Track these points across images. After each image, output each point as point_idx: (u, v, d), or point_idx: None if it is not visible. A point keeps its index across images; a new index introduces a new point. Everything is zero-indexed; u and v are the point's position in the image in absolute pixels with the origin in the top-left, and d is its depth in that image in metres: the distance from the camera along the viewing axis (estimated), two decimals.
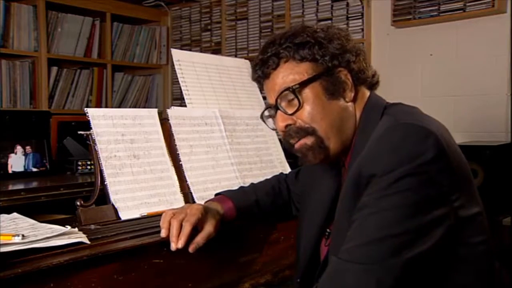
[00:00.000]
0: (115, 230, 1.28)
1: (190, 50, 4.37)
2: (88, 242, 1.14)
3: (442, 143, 1.00)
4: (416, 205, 0.97)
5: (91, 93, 4.26)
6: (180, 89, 1.81)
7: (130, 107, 4.57)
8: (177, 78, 1.82)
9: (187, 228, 1.19)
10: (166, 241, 1.19)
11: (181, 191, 1.53)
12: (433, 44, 3.27)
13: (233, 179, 1.67)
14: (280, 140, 1.81)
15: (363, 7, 3.51)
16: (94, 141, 1.42)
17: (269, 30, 3.99)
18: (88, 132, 1.44)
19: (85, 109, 1.44)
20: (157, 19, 4.68)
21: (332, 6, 3.64)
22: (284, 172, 1.62)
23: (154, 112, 1.59)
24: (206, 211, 1.27)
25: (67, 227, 1.15)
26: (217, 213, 1.32)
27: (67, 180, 2.11)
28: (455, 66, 3.19)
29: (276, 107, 1.18)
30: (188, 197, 1.54)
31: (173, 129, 1.60)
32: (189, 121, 1.66)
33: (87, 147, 1.48)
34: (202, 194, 1.55)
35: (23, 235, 1.06)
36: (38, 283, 0.99)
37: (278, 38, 1.18)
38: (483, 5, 3.01)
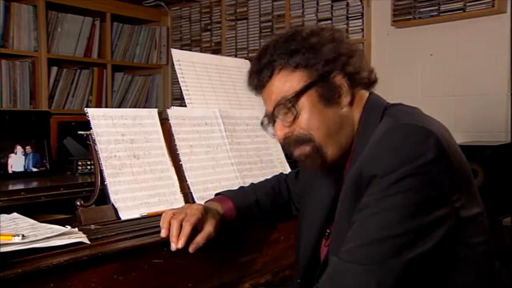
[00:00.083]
0: (115, 230, 1.28)
1: (190, 50, 4.37)
2: (88, 242, 1.14)
3: (443, 144, 1.00)
4: (417, 206, 0.97)
5: (91, 93, 4.26)
6: (180, 89, 1.81)
7: (130, 107, 4.57)
8: (177, 78, 1.82)
9: (187, 228, 1.19)
10: (166, 241, 1.19)
11: (181, 191, 1.53)
12: (433, 44, 3.27)
13: (233, 179, 1.67)
14: None
15: (363, 7, 3.51)
16: (94, 141, 1.42)
17: (269, 30, 3.99)
18: (88, 132, 1.44)
19: (85, 109, 1.44)
20: (157, 19, 4.68)
21: (332, 6, 3.64)
22: (284, 172, 1.62)
23: (154, 112, 1.59)
24: (206, 211, 1.27)
25: (67, 227, 1.15)
26: (217, 213, 1.32)
27: (67, 180, 2.11)
28: (455, 66, 3.19)
29: (273, 117, 1.18)
30: (188, 197, 1.54)
31: (173, 129, 1.60)
32: (189, 121, 1.66)
33: (87, 147, 1.48)
34: (202, 194, 1.55)
35: (23, 235, 1.06)
36: (38, 283, 0.99)
37: (271, 46, 1.18)
38: (483, 5, 3.01)
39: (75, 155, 2.39)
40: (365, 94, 1.20)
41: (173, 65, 1.94)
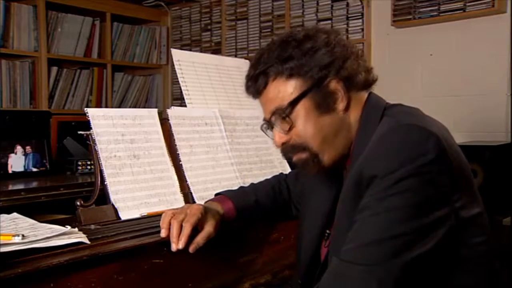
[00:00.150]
0: (115, 230, 1.28)
1: (190, 50, 4.37)
2: (88, 242, 1.14)
3: (443, 144, 1.00)
4: (417, 206, 0.97)
5: (91, 93, 4.26)
6: (180, 89, 1.81)
7: (130, 107, 4.57)
8: (177, 78, 1.82)
9: (187, 229, 1.19)
10: (166, 241, 1.19)
11: (181, 191, 1.53)
12: (433, 44, 3.27)
13: (233, 179, 1.67)
14: None
15: (363, 7, 3.51)
16: (94, 141, 1.42)
17: (269, 30, 3.99)
18: (88, 132, 1.44)
19: (85, 109, 1.45)
20: (157, 19, 4.68)
21: (332, 6, 3.64)
22: (284, 172, 1.62)
23: (154, 112, 1.59)
24: (206, 211, 1.27)
25: (67, 227, 1.15)
26: (217, 213, 1.32)
27: (67, 180, 2.11)
28: (455, 66, 3.19)
29: (271, 124, 1.19)
30: (188, 197, 1.54)
31: (173, 129, 1.60)
32: (189, 121, 1.66)
33: (87, 147, 1.48)
34: (202, 194, 1.55)
35: (23, 235, 1.06)
36: (38, 283, 0.99)
37: (265, 53, 1.17)
38: (483, 5, 3.01)
39: (75, 155, 2.40)
40: (364, 95, 1.19)
41: (173, 65, 1.94)
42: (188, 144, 1.62)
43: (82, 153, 2.37)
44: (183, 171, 1.56)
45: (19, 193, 1.74)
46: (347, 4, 3.57)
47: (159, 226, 1.22)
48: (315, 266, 1.25)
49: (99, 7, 4.19)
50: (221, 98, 1.90)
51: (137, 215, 1.41)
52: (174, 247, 1.18)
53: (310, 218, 1.30)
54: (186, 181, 1.56)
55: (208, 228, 1.24)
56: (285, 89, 1.15)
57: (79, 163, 2.28)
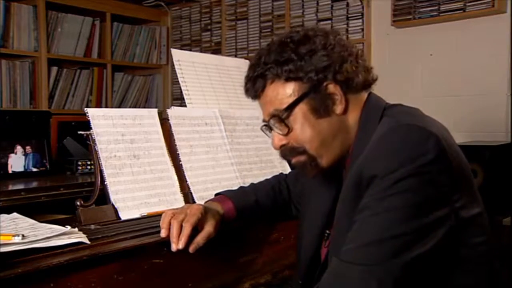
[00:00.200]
0: (115, 230, 1.28)
1: (190, 50, 4.37)
2: (88, 242, 1.14)
3: (443, 144, 1.00)
4: (417, 206, 0.97)
5: (91, 93, 4.26)
6: (180, 89, 1.81)
7: (130, 107, 4.57)
8: (177, 78, 1.82)
9: (187, 229, 1.19)
10: (166, 241, 1.19)
11: (181, 191, 1.53)
12: (433, 44, 3.27)
13: (233, 179, 1.67)
14: None
15: (363, 7, 3.51)
16: (94, 141, 1.42)
17: (269, 30, 3.99)
18: (88, 132, 1.44)
19: (85, 109, 1.45)
20: (157, 19, 4.68)
21: (332, 6, 3.64)
22: (284, 172, 1.62)
23: (154, 112, 1.59)
24: (206, 211, 1.27)
25: (67, 227, 1.15)
26: (217, 213, 1.32)
27: (67, 180, 2.11)
28: (455, 66, 3.19)
29: (270, 126, 1.19)
30: (188, 197, 1.54)
31: (173, 129, 1.60)
32: (189, 121, 1.66)
33: (87, 147, 1.48)
34: (202, 194, 1.55)
35: (23, 235, 1.06)
36: (38, 283, 0.99)
37: (264, 55, 1.17)
38: (483, 5, 3.01)
39: (75, 155, 2.40)
40: (363, 95, 1.19)
41: (173, 65, 1.94)
42: (188, 144, 1.62)
43: (82, 153, 2.37)
44: (183, 171, 1.56)
45: (19, 193, 1.74)
46: (347, 4, 3.57)
47: (159, 226, 1.22)
48: (315, 266, 1.25)
49: (99, 7, 4.19)
50: (221, 98, 1.90)
51: (137, 215, 1.41)
52: (174, 247, 1.18)
53: (310, 218, 1.30)
54: (186, 181, 1.56)
55: (208, 228, 1.24)
56: (283, 92, 1.15)
57: (79, 163, 2.28)
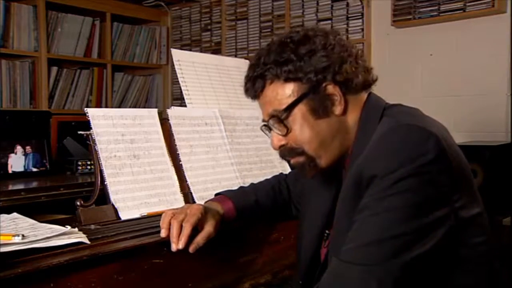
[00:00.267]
0: (115, 230, 1.28)
1: (190, 50, 4.37)
2: (88, 242, 1.14)
3: (443, 144, 1.00)
4: (417, 206, 0.97)
5: (91, 93, 4.26)
6: (180, 89, 1.81)
7: (130, 107, 4.57)
8: (177, 78, 1.82)
9: (187, 229, 1.19)
10: (166, 241, 1.19)
11: (181, 191, 1.53)
12: (433, 44, 3.27)
13: (233, 179, 1.67)
14: None
15: (363, 7, 3.51)
16: (94, 141, 1.42)
17: (269, 30, 3.99)
18: (88, 132, 1.44)
19: (85, 109, 1.45)
20: (157, 19, 4.68)
21: (332, 6, 3.64)
22: (284, 172, 1.62)
23: (154, 112, 1.59)
24: (206, 211, 1.27)
25: (67, 227, 1.15)
26: (217, 213, 1.32)
27: (67, 180, 2.11)
28: (455, 66, 3.19)
29: (269, 126, 1.19)
30: (188, 197, 1.54)
31: (173, 129, 1.60)
32: (189, 121, 1.66)
33: (87, 147, 1.48)
34: (202, 194, 1.55)
35: (23, 235, 1.06)
36: (38, 283, 0.99)
37: (263, 55, 1.17)
38: (483, 5, 3.01)
39: (75, 155, 2.40)
40: (363, 95, 1.19)
41: (173, 65, 1.94)
42: (188, 144, 1.62)
43: (82, 153, 2.37)
44: (183, 171, 1.56)
45: (19, 193, 1.74)
46: (347, 4, 3.57)
47: (159, 226, 1.22)
48: (315, 266, 1.25)
49: (99, 7, 4.19)
50: (221, 98, 1.90)
51: (137, 215, 1.41)
52: (174, 247, 1.18)
53: (310, 218, 1.30)
54: (186, 181, 1.56)
55: (208, 228, 1.24)
56: (282, 92, 1.15)
57: (79, 163, 2.28)
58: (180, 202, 1.51)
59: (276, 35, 3.81)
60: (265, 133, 1.24)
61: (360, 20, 3.53)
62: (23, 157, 2.21)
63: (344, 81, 1.13)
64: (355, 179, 1.05)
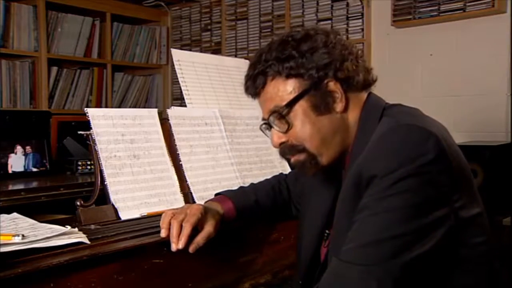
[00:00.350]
0: (115, 230, 1.28)
1: (190, 50, 4.37)
2: (88, 242, 1.14)
3: (443, 144, 1.00)
4: (417, 206, 0.97)
5: (91, 93, 4.26)
6: (180, 89, 1.81)
7: (130, 107, 4.57)
8: (177, 78, 1.82)
9: (187, 229, 1.19)
10: (166, 241, 1.19)
11: (181, 191, 1.53)
12: (433, 44, 3.27)
13: (233, 179, 1.67)
14: None
15: (363, 7, 3.51)
16: (94, 141, 1.42)
17: (269, 30, 3.99)
18: (88, 132, 1.44)
19: (85, 109, 1.45)
20: (157, 19, 4.68)
21: (332, 6, 3.64)
22: (284, 172, 1.62)
23: (154, 112, 1.59)
24: (206, 211, 1.27)
25: (67, 227, 1.15)
26: (217, 213, 1.32)
27: (67, 180, 2.11)
28: (455, 66, 3.19)
29: (269, 124, 1.19)
30: (188, 197, 1.54)
31: (173, 129, 1.60)
32: (189, 121, 1.66)
33: (87, 147, 1.48)
34: (202, 194, 1.55)
35: (23, 235, 1.06)
36: (38, 283, 0.99)
37: (264, 53, 1.17)
38: (483, 5, 3.01)
39: (75, 155, 2.40)
40: (363, 95, 1.19)
41: (173, 65, 1.94)
42: (188, 144, 1.62)
43: (82, 153, 2.37)
44: (183, 171, 1.56)
45: (19, 193, 1.74)
46: (347, 4, 3.57)
47: (159, 226, 1.22)
48: (315, 266, 1.25)
49: (99, 7, 4.19)
50: (221, 98, 1.90)
51: (137, 215, 1.41)
52: (174, 247, 1.18)
53: (310, 218, 1.30)
54: (186, 181, 1.56)
55: (208, 228, 1.24)
56: (283, 88, 1.15)
57: (79, 163, 2.27)
58: (180, 202, 1.51)
59: (276, 35, 3.81)
60: (264, 133, 1.24)
61: (360, 20, 3.53)
62: (23, 157, 2.21)
63: (345, 78, 1.14)
64: (355, 179, 1.05)
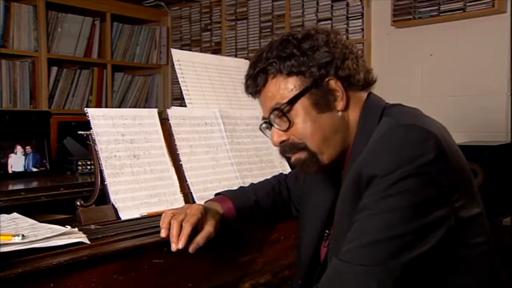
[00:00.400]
0: (115, 230, 1.28)
1: (190, 50, 4.37)
2: (88, 242, 1.14)
3: (443, 144, 1.00)
4: (417, 206, 0.97)
5: (91, 93, 4.27)
6: (180, 89, 1.81)
7: (130, 107, 4.57)
8: (177, 78, 1.82)
9: (187, 229, 1.19)
10: (166, 241, 1.19)
11: (181, 191, 1.53)
12: (433, 44, 3.27)
13: (233, 179, 1.67)
14: None
15: (363, 7, 3.52)
16: (94, 141, 1.42)
17: (269, 30, 3.99)
18: (88, 132, 1.44)
19: (85, 109, 1.45)
20: (157, 19, 4.69)
21: (332, 6, 3.64)
22: (284, 172, 1.62)
23: (154, 112, 1.59)
24: (206, 211, 1.27)
25: (67, 227, 1.15)
26: (217, 213, 1.31)
27: (67, 180, 2.11)
28: (455, 66, 3.19)
29: (270, 122, 1.18)
30: (188, 197, 1.54)
31: (173, 129, 1.60)
32: (189, 121, 1.66)
33: (87, 147, 1.48)
34: (202, 194, 1.55)
35: (23, 235, 1.06)
36: (38, 283, 0.99)
37: (265, 52, 1.17)
38: (483, 5, 3.02)
39: (75, 155, 2.39)
40: (363, 95, 1.19)
41: (173, 65, 1.94)
42: (188, 144, 1.62)
43: (82, 153, 2.37)
44: (183, 171, 1.56)
45: (19, 193, 1.74)
46: (347, 4, 3.57)
47: (159, 226, 1.22)
48: (314, 266, 1.25)
49: (99, 7, 4.19)
50: (221, 98, 1.90)
51: (137, 215, 1.41)
52: (174, 247, 1.18)
53: (310, 218, 1.30)
54: (186, 181, 1.56)
55: (208, 228, 1.24)
56: (285, 86, 1.15)
57: (79, 163, 2.27)
58: (180, 202, 1.51)
59: (276, 35, 3.81)
60: (264, 133, 1.24)
61: (360, 20, 3.53)
62: (23, 157, 2.21)
63: (346, 76, 1.14)
64: (355, 179, 1.05)
